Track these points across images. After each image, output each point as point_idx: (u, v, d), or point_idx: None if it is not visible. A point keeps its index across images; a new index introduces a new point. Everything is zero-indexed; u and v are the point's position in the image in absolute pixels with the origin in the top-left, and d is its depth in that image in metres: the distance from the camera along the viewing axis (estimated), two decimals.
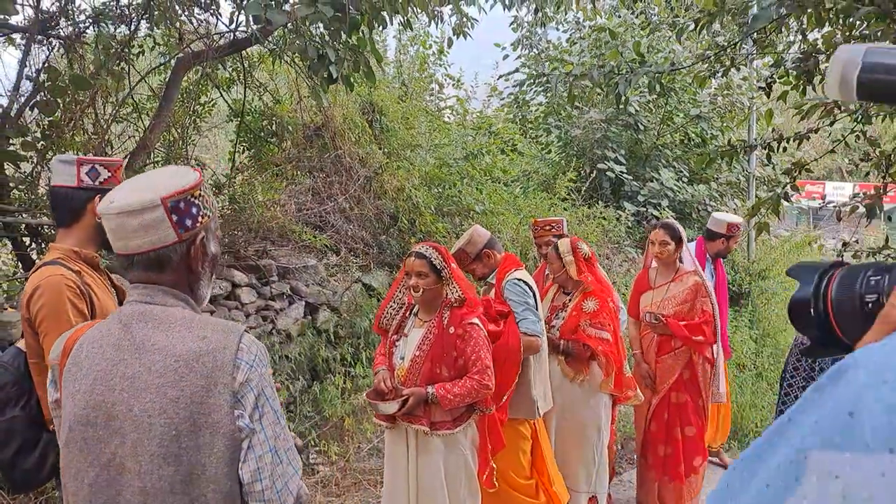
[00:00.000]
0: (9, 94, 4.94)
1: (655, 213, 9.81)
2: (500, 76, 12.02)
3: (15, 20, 5.28)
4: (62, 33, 5.40)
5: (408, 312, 3.60)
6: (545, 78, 10.82)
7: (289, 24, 4.76)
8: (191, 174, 1.66)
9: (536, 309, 3.88)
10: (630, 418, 6.41)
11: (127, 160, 5.80)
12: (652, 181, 10.23)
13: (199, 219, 1.63)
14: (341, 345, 6.03)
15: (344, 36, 4.88)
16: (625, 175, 10.06)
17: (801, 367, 4.15)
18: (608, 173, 9.93)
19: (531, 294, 3.88)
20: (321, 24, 4.81)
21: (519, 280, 3.87)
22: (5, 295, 4.88)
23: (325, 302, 6.27)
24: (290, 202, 6.32)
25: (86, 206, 2.47)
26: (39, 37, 5.23)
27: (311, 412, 5.44)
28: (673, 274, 4.78)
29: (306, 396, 5.55)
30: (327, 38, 4.86)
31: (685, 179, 10.62)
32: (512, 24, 11.51)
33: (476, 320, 3.38)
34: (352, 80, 4.97)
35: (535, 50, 11.59)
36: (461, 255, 4.05)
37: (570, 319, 4.28)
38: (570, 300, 4.37)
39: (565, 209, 8.82)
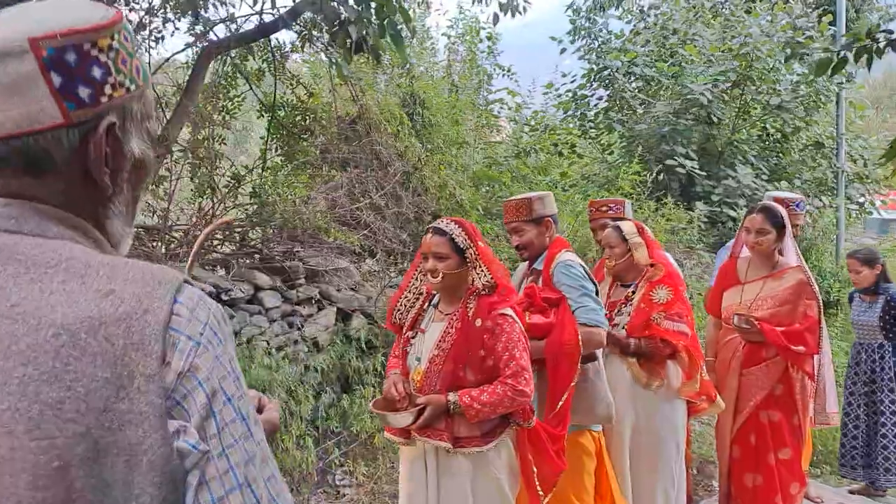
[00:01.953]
0: None
1: (731, 213, 8.91)
2: (563, 74, 11.30)
3: None
4: None
5: (426, 304, 2.94)
6: (607, 71, 10.09)
7: None
8: (101, 10, 0.94)
9: (597, 295, 3.18)
10: (707, 438, 5.56)
11: None
12: (727, 179, 9.32)
13: (108, 89, 0.92)
14: (374, 355, 5.43)
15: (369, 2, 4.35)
16: (696, 172, 9.18)
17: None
18: (678, 170, 9.07)
19: (588, 278, 3.18)
20: None
21: (572, 261, 3.18)
22: None
23: (359, 308, 5.69)
24: (321, 199, 5.79)
25: None
26: None
27: (338, 427, 4.84)
28: (771, 268, 3.99)
29: (334, 411, 4.96)
30: (351, 2, 4.34)
31: (765, 177, 9.67)
32: (568, 9, 10.80)
33: (509, 311, 2.69)
34: (379, 49, 4.40)
35: (595, 41, 10.84)
36: (523, 206, 3.32)
37: (638, 314, 3.58)
38: (633, 292, 3.68)
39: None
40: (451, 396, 2.60)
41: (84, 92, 0.89)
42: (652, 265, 3.61)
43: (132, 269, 0.89)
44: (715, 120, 9.68)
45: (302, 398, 4.49)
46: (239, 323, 4.86)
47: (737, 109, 9.84)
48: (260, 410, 1.31)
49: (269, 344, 4.95)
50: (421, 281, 2.94)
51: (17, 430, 0.79)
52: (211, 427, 0.86)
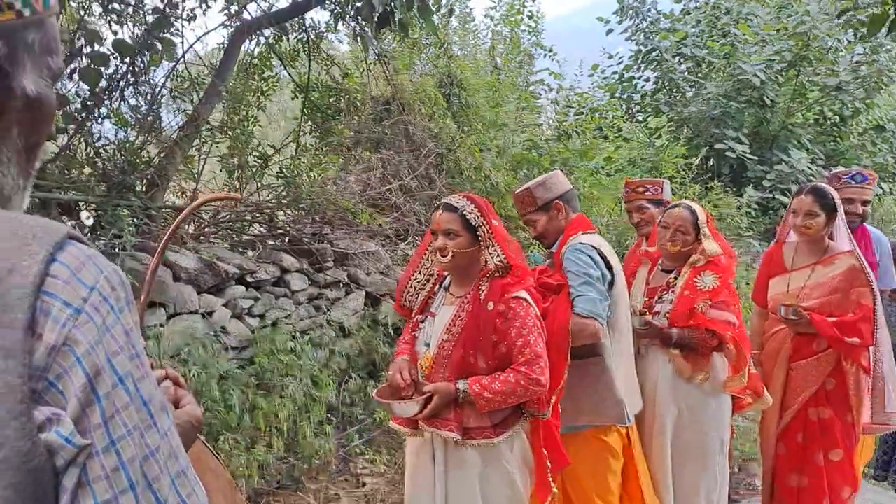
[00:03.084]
0: None
1: (784, 199, 8.48)
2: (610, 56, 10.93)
3: None
4: None
5: (437, 286, 2.77)
6: (655, 52, 9.69)
7: None
8: None
9: (606, 284, 2.93)
10: (750, 434, 5.28)
11: (175, 136, 5.36)
12: (780, 164, 8.86)
13: None
14: None
15: None
16: (747, 156, 8.76)
17: None
18: (728, 154, 8.67)
19: (596, 265, 2.91)
20: None
21: (584, 245, 2.94)
22: None
23: (387, 292, 5.55)
24: (351, 180, 5.66)
25: None
26: None
27: (362, 415, 4.72)
28: (821, 254, 3.70)
29: (359, 397, 4.84)
30: None
31: (821, 162, 9.18)
32: None
33: (524, 294, 2.51)
34: (407, 24, 4.23)
35: (643, 21, 10.42)
36: (525, 197, 3.15)
37: (681, 301, 3.33)
38: (675, 277, 3.43)
39: (672, 189, 7.68)
40: (461, 384, 2.44)
41: None
42: (684, 255, 3.39)
43: (4, 221, 0.74)
44: (768, 102, 9.23)
45: (324, 383, 4.38)
46: (264, 306, 4.77)
47: (792, 91, 9.34)
48: (176, 404, 1.16)
49: (294, 328, 4.86)
50: (431, 262, 2.77)
51: None
52: (94, 415, 0.69)
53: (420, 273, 2.82)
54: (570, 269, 2.88)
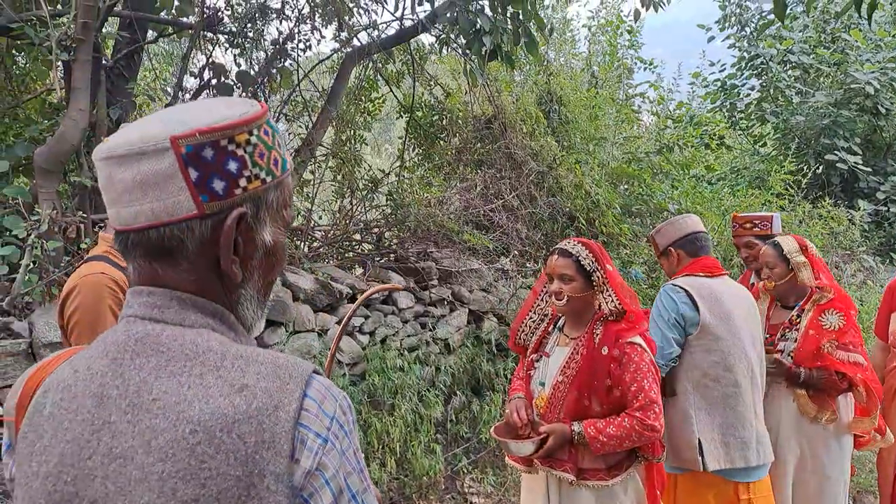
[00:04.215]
0: (171, 90, 4.97)
1: None
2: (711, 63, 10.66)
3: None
4: (228, 29, 5.35)
5: (551, 326, 2.88)
6: (760, 59, 9.40)
7: None
8: (244, 106, 0.98)
9: (689, 328, 2.93)
10: (866, 464, 5.13)
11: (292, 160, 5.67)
12: None
13: (243, 181, 0.94)
14: (505, 358, 5.42)
15: (505, 9, 4.30)
16: (860, 168, 8.39)
17: None
18: (838, 165, 8.33)
19: (668, 308, 2.93)
20: None
21: (673, 287, 2.98)
22: None
23: (490, 309, 5.69)
24: (455, 200, 5.83)
25: None
26: (205, 33, 5.20)
27: (467, 433, 4.87)
28: None
29: (464, 415, 4.99)
30: (487, 10, 4.31)
31: None
32: None
33: (639, 339, 2.58)
34: (513, 56, 4.35)
35: (746, 28, 10.12)
36: (651, 243, 3.32)
37: (807, 340, 3.24)
38: (798, 315, 3.35)
39: (781, 207, 7.47)
40: (576, 426, 2.53)
41: (218, 185, 0.92)
42: (819, 287, 3.28)
43: (264, 363, 0.92)
44: (882, 111, 8.78)
45: (432, 402, 4.56)
46: (374, 323, 5.01)
47: None
48: None
49: (401, 345, 5.07)
50: (546, 302, 2.89)
51: None
52: None
53: (534, 312, 2.93)
54: (652, 312, 2.96)
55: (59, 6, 5.00)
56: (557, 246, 2.75)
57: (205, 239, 0.94)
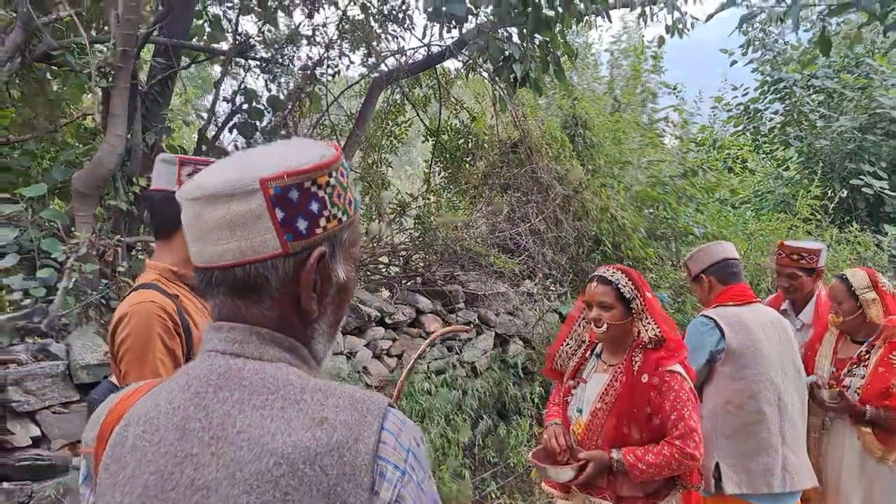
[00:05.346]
0: (205, 116, 5.07)
1: None
2: (733, 87, 10.65)
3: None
4: (258, 55, 5.45)
5: (588, 352, 2.88)
6: (783, 83, 9.40)
7: (474, 22, 4.34)
8: (321, 148, 1.02)
9: (715, 355, 2.96)
10: None
11: None
12: None
13: (323, 221, 0.99)
14: (532, 382, 5.41)
15: (533, 37, 4.36)
16: (886, 192, 8.33)
17: None
18: (864, 190, 8.28)
19: (692, 336, 2.98)
20: (507, 24, 4.33)
21: (702, 317, 3.01)
22: None
23: (516, 333, 5.70)
24: (481, 223, 5.86)
25: None
26: (236, 59, 5.30)
27: (494, 457, 4.85)
28: None
29: (490, 439, 4.98)
30: (515, 38, 4.37)
31: None
32: (741, 24, 10.17)
33: (679, 367, 2.57)
34: (540, 84, 4.39)
35: (769, 53, 10.13)
36: (685, 269, 3.34)
37: (875, 378, 3.16)
38: (868, 352, 3.26)
39: (808, 232, 7.43)
40: (615, 454, 2.53)
41: (302, 225, 0.96)
42: (874, 326, 3.20)
43: (342, 395, 0.95)
44: None
45: (460, 426, 4.55)
46: (402, 346, 5.02)
47: None
48: None
49: (428, 368, 5.08)
50: (583, 328, 2.89)
51: None
52: None
53: (571, 338, 2.94)
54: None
55: (93, 32, 5.14)
56: (596, 273, 2.76)
57: (287, 277, 0.97)
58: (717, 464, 2.92)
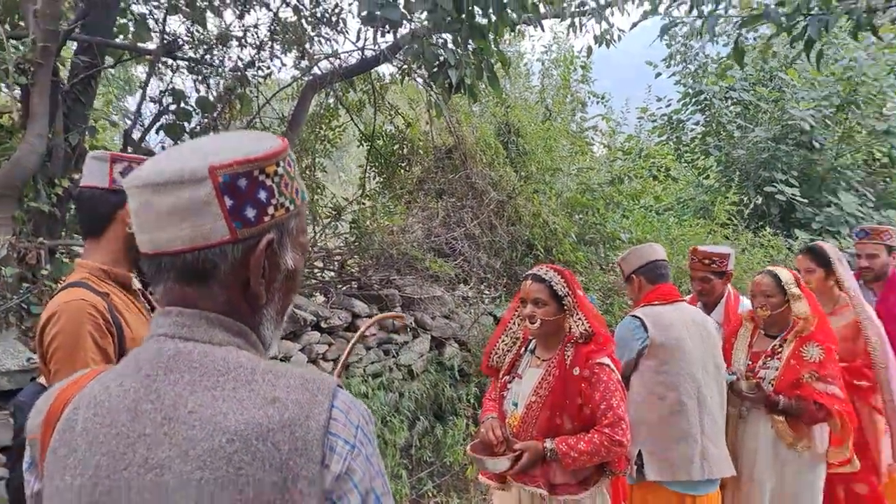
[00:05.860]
0: (129, 117, 4.94)
1: (835, 241, 8.51)
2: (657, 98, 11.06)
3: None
4: (187, 55, 5.36)
5: (523, 349, 2.98)
6: (703, 95, 9.84)
7: (409, 27, 4.40)
8: (269, 140, 1.04)
9: (636, 353, 3.11)
10: None
11: None
12: (829, 206, 8.91)
13: (271, 209, 1.01)
14: (468, 383, 5.48)
15: (467, 44, 4.45)
16: (797, 199, 8.82)
17: None
18: (777, 197, 8.75)
19: (636, 335, 3.10)
20: (442, 30, 4.41)
21: (635, 318, 3.14)
22: None
23: (453, 335, 5.76)
24: (417, 228, 5.92)
25: (116, 213, 2.00)
26: (164, 59, 5.20)
27: (431, 457, 4.90)
28: (832, 306, 3.86)
29: (427, 440, 5.02)
30: (449, 44, 4.45)
31: (871, 204, 9.18)
32: (663, 34, 10.60)
33: (607, 360, 2.70)
34: (476, 91, 4.49)
35: (690, 66, 10.60)
36: (619, 268, 3.50)
37: (788, 370, 3.36)
38: (780, 346, 3.46)
39: (726, 237, 7.79)
40: (549, 443, 2.62)
41: (251, 213, 0.98)
42: (804, 319, 3.38)
43: (292, 377, 0.98)
44: (817, 146, 9.28)
45: (397, 427, 4.58)
46: (338, 350, 5.01)
47: (840, 134, 9.40)
48: None
49: (365, 371, 5.09)
50: (518, 326, 2.99)
51: None
52: None
53: (507, 336, 3.03)
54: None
55: (7, 27, 4.94)
56: (531, 272, 2.86)
57: (236, 262, 0.99)
58: (639, 452, 3.06)
